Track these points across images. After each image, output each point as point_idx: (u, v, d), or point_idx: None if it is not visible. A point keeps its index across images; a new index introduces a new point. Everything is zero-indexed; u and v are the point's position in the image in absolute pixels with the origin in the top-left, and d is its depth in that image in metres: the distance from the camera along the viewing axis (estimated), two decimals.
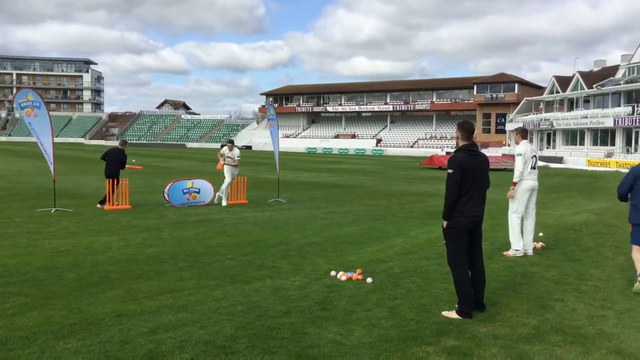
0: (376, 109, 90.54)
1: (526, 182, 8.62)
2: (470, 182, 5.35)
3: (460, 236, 5.46)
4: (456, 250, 5.49)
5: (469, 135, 5.52)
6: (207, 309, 5.50)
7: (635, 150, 48.15)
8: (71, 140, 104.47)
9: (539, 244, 9.31)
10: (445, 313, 5.48)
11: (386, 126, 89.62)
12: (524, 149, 8.58)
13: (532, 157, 8.65)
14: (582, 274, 7.40)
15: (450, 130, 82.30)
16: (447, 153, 48.22)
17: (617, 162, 43.08)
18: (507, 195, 8.72)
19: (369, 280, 6.71)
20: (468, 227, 5.47)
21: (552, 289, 6.58)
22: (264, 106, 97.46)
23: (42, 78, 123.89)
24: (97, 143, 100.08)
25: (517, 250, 8.54)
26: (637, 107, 48.16)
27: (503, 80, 75.69)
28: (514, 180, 8.59)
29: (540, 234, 10.14)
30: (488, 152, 53.92)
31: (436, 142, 78.10)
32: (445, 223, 5.46)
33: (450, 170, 5.36)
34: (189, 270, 7.16)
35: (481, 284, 5.64)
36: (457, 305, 5.49)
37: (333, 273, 7.00)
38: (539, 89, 73.94)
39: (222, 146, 16.20)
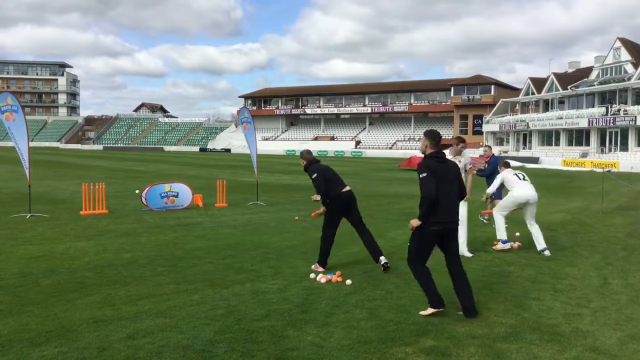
0: (355, 111, 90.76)
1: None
2: (440, 188, 5.43)
3: (428, 240, 5.57)
4: (420, 252, 5.61)
5: (436, 144, 5.65)
6: (185, 314, 5.47)
7: (610, 150, 48.98)
8: (46, 144, 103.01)
9: (516, 244, 9.42)
10: (422, 312, 5.56)
11: (365, 128, 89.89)
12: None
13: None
14: (558, 272, 7.51)
15: None
16: None
17: (592, 162, 43.77)
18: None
19: (349, 282, 6.74)
20: (440, 234, 5.55)
21: (528, 288, 6.67)
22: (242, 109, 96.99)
23: (16, 82, 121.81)
24: (73, 147, 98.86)
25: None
26: (610, 107, 49.00)
27: (479, 82, 76.40)
28: None
29: (517, 234, 10.27)
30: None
31: (414, 144, 78.44)
32: (417, 222, 5.47)
33: (423, 174, 5.46)
34: (167, 275, 7.11)
35: (468, 290, 5.63)
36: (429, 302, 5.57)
37: (312, 276, 7.01)
38: (515, 91, 74.80)
39: None
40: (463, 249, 8.50)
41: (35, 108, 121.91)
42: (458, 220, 5.68)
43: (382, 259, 7.49)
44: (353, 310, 5.65)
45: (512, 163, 42.53)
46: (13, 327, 5.02)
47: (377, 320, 5.36)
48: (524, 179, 9.26)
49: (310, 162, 7.89)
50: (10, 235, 10.05)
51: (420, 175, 5.46)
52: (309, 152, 8.22)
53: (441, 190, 5.42)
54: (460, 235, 8.49)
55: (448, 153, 9.21)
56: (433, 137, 5.66)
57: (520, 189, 9.05)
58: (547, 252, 8.76)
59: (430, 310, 5.51)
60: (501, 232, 9.18)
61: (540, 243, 8.91)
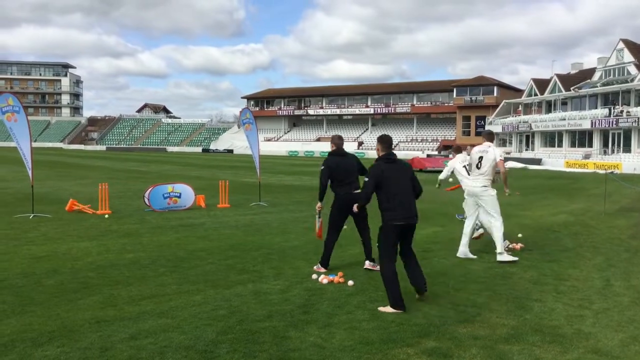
0: (357, 112, 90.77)
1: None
2: (392, 187, 5.91)
3: (389, 236, 5.90)
4: (385, 248, 5.91)
5: (387, 147, 6.16)
6: (187, 314, 5.48)
7: (613, 151, 48.89)
8: (50, 145, 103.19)
9: (518, 245, 9.41)
10: (381, 308, 5.74)
11: (367, 129, 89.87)
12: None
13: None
14: (560, 274, 7.50)
15: (432, 133, 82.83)
16: (428, 156, 48.48)
17: (594, 164, 43.69)
18: None
19: (350, 283, 6.74)
20: (398, 230, 5.90)
21: (530, 290, 6.66)
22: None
23: (19, 82, 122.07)
24: (76, 147, 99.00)
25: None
26: (613, 109, 48.91)
27: (482, 83, 76.37)
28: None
29: (519, 235, 10.26)
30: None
31: (417, 145, 78.48)
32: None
33: (365, 179, 6.08)
34: (169, 276, 7.12)
35: (417, 269, 6.10)
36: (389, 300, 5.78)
37: (314, 276, 7.02)
38: (518, 92, 74.71)
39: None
40: (500, 246, 8.31)
41: (39, 108, 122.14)
42: (416, 216, 6.01)
43: (367, 263, 7.56)
44: (355, 311, 5.66)
45: (515, 164, 42.33)
46: (16, 327, 5.03)
47: (379, 321, 5.36)
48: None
49: (330, 152, 7.60)
50: (14, 235, 10.08)
51: (365, 179, 6.10)
52: (339, 137, 7.74)
53: (394, 189, 5.90)
54: (495, 231, 8.40)
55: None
56: (384, 141, 6.18)
57: (465, 182, 8.87)
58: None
59: (389, 310, 5.67)
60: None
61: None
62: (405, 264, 6.14)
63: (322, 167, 7.47)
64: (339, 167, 7.48)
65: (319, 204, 7.72)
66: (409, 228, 6.01)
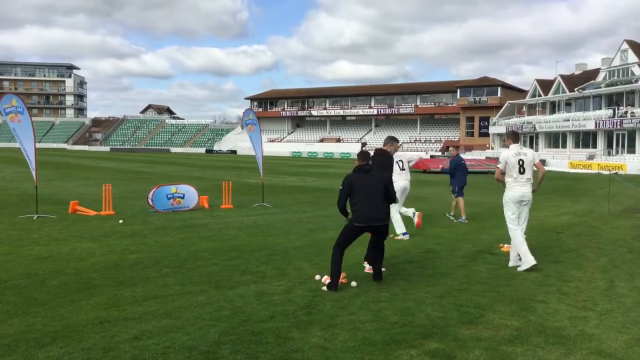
0: (361, 112, 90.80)
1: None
2: (362, 194, 6.69)
3: (352, 234, 6.76)
4: (343, 239, 6.73)
5: (364, 159, 6.99)
6: (191, 315, 5.48)
7: (617, 152, 48.77)
8: (54, 145, 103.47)
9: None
10: (320, 279, 6.81)
11: (371, 130, 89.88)
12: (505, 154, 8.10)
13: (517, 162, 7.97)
14: (564, 275, 7.48)
15: (435, 134, 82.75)
16: (432, 157, 48.43)
17: (599, 164, 43.60)
18: None
19: (354, 283, 6.73)
20: (362, 230, 6.76)
21: (534, 291, 6.65)
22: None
23: (24, 83, 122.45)
24: (80, 148, 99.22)
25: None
26: (617, 109, 48.79)
27: (486, 84, 76.27)
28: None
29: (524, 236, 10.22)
30: (472, 155, 54.26)
31: (420, 146, 78.40)
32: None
33: (340, 187, 6.88)
34: (172, 276, 7.13)
35: (380, 257, 7.05)
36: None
37: (317, 277, 7.01)
38: (522, 92, 74.59)
39: None
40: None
41: (43, 109, 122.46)
42: (382, 218, 6.74)
43: (365, 265, 7.51)
44: (358, 312, 5.65)
45: None
46: (19, 328, 5.04)
47: (382, 322, 5.35)
48: (402, 169, 10.38)
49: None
50: (17, 235, 10.10)
51: (340, 187, 6.89)
52: (391, 138, 8.59)
53: (363, 196, 6.70)
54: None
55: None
56: (361, 154, 7.08)
57: (395, 177, 9.40)
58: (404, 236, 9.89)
59: (326, 286, 6.53)
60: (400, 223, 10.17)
61: (397, 226, 9.48)
62: (372, 249, 7.12)
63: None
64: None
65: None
66: (375, 229, 6.81)
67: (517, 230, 8.03)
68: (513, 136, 8.43)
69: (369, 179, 6.83)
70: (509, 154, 8.01)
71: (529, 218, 8.30)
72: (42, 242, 9.53)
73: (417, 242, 9.79)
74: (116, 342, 4.71)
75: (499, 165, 8.13)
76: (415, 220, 10.86)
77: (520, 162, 7.93)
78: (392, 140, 9.37)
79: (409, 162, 10.97)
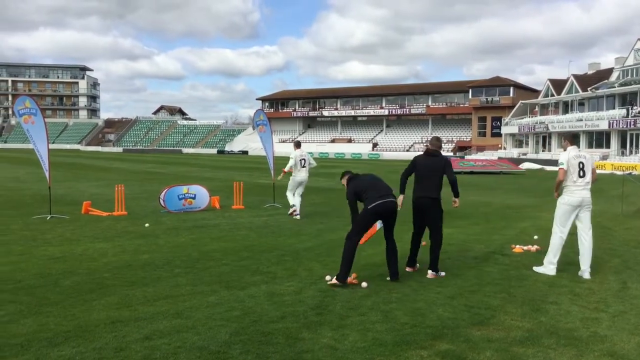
0: (372, 113, 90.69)
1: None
2: (367, 189, 7.04)
3: (367, 219, 6.90)
4: (356, 227, 6.90)
5: (350, 177, 7.39)
6: (201, 315, 5.51)
7: (631, 152, 48.33)
8: (67, 147, 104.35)
9: (534, 247, 9.34)
10: (329, 280, 6.83)
11: (382, 130, 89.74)
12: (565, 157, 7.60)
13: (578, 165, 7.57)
14: (576, 276, 7.44)
15: (447, 134, 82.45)
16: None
17: (612, 165, 43.25)
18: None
19: (364, 284, 6.73)
20: (373, 211, 6.86)
21: (546, 292, 6.61)
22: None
23: (37, 85, 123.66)
24: (93, 149, 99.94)
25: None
26: (631, 109, 48.36)
27: (498, 84, 75.93)
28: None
29: (536, 237, 10.19)
30: (484, 155, 54.04)
31: None
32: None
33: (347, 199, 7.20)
34: (184, 276, 7.16)
35: (394, 256, 7.06)
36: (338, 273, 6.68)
37: (328, 278, 7.01)
38: (534, 92, 74.18)
39: None
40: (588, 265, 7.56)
41: (56, 111, 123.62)
42: (392, 195, 7.10)
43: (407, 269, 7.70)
44: (368, 313, 5.65)
45: (531, 165, 41.97)
46: (32, 327, 5.09)
47: (393, 323, 5.34)
48: (302, 166, 12.89)
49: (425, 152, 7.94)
50: (31, 236, 10.19)
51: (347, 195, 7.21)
52: (437, 139, 8.01)
53: (369, 184, 7.16)
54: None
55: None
56: (347, 174, 7.51)
57: (296, 172, 12.71)
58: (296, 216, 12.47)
59: (334, 281, 6.64)
60: (292, 200, 13.06)
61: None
62: (386, 246, 7.23)
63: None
64: (425, 165, 7.72)
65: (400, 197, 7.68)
66: (385, 209, 6.91)
67: (562, 236, 7.81)
68: (572, 138, 7.88)
69: (370, 178, 7.37)
70: (570, 156, 7.55)
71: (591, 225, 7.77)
72: (55, 242, 9.61)
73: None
74: (127, 341, 4.74)
75: (562, 166, 7.56)
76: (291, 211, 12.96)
77: (581, 165, 7.53)
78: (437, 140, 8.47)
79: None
